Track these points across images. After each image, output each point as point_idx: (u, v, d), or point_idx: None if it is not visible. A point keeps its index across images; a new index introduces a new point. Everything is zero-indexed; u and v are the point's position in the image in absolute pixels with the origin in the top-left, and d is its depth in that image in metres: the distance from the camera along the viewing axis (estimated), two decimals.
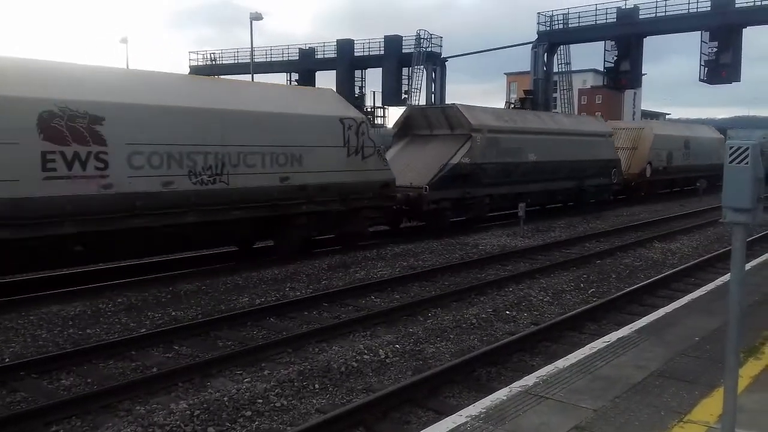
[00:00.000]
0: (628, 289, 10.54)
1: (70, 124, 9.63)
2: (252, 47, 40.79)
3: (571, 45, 42.87)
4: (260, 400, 6.04)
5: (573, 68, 44.68)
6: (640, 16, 38.51)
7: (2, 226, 8.97)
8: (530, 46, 41.83)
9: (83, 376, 6.87)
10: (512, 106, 42.00)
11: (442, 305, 9.82)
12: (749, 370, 5.37)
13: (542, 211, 22.47)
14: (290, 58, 52.38)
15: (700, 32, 36.69)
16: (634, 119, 73.52)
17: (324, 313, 9.58)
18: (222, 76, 48.09)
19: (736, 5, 35.56)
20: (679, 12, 37.07)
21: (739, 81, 36.46)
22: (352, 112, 14.72)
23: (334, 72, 50.50)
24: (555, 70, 42.87)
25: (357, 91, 49.51)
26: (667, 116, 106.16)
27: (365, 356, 7.27)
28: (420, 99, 45.90)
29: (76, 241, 9.97)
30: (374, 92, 49.76)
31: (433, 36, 45.85)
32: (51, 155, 9.43)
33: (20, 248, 9.38)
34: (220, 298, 10.20)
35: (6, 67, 9.74)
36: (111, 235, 10.30)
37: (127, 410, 5.91)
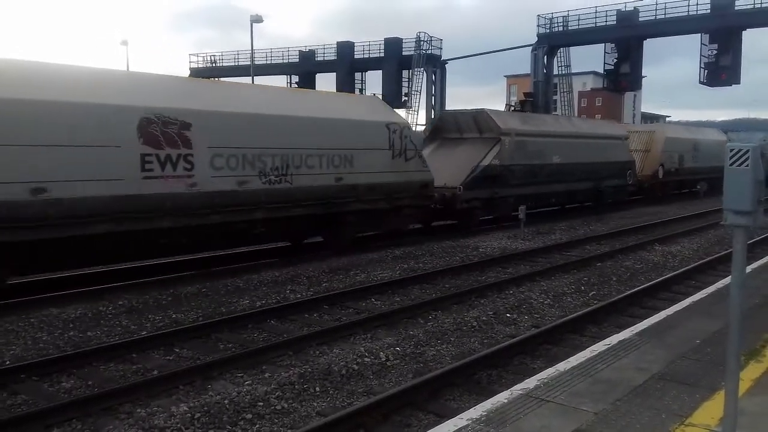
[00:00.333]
0: (629, 292, 10.53)
1: (163, 130, 10.76)
2: (252, 49, 40.88)
3: (570, 47, 42.93)
4: (261, 403, 6.03)
5: (573, 70, 44.76)
6: (640, 19, 38.57)
7: (106, 220, 10.04)
8: (530, 48, 41.90)
9: (84, 379, 6.87)
10: (512, 108, 41.94)
11: (442, 308, 9.81)
12: (750, 373, 5.37)
13: (542, 214, 22.51)
14: (290, 60, 52.44)
15: (699, 34, 36.76)
16: (633, 121, 73.57)
17: (324, 315, 9.58)
18: (222, 79, 48.24)
19: (736, 7, 35.61)
20: (679, 14, 37.12)
21: (739, 83, 36.54)
22: (397, 118, 16.08)
23: (334, 74, 50.57)
24: (555, 72, 42.93)
25: (357, 93, 49.54)
26: (667, 119, 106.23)
27: (366, 359, 7.27)
28: (420, 101, 46.00)
29: (166, 235, 11.05)
30: (374, 94, 49.78)
31: (433, 38, 45.94)
32: (148, 157, 10.55)
33: (119, 241, 10.40)
34: (221, 300, 10.20)
35: (109, 78, 11.06)
36: (194, 230, 11.36)
37: (127, 413, 5.91)
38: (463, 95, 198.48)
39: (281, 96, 14.23)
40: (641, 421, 4.48)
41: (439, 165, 17.82)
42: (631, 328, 7.01)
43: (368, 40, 51.28)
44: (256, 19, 36.92)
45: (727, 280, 8.74)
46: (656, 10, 37.69)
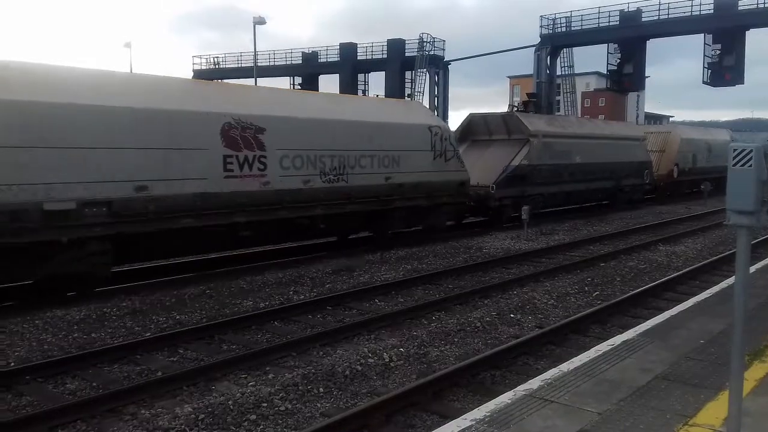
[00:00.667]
0: (633, 292, 10.51)
1: (242, 134, 11.90)
2: (255, 51, 40.85)
3: (574, 48, 42.89)
4: (265, 404, 6.04)
5: (576, 71, 44.72)
6: (643, 19, 38.52)
7: (193, 215, 11.12)
8: (533, 49, 41.87)
9: (88, 380, 6.89)
10: (515, 109, 41.92)
11: (446, 308, 9.81)
12: (754, 373, 5.36)
13: (546, 214, 22.53)
14: (293, 62, 52.49)
15: (703, 35, 36.69)
16: (637, 122, 73.45)
17: (328, 316, 9.59)
18: (226, 81, 48.16)
19: (739, 8, 35.54)
20: (682, 14, 37.06)
21: (743, 83, 36.47)
22: (438, 121, 17.35)
23: (337, 76, 50.61)
24: (558, 72, 42.89)
25: (360, 94, 49.57)
26: (670, 119, 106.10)
27: (370, 360, 7.27)
28: (423, 102, 45.94)
29: (243, 228, 12.12)
30: (377, 95, 49.85)
31: (435, 39, 45.92)
32: (229, 158, 11.67)
33: (202, 234, 11.50)
34: (225, 301, 10.22)
35: (197, 88, 12.79)
36: (264, 224, 12.48)
37: (132, 414, 5.92)
38: (466, 96, 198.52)
39: (338, 102, 15.59)
40: (645, 421, 4.48)
41: (471, 165, 18.46)
42: (635, 328, 6.99)
43: (371, 42, 51.18)
44: (259, 21, 36.94)
45: (731, 280, 8.72)
46: (659, 10, 37.66)
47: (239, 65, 53.96)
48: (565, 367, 5.65)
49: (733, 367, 3.62)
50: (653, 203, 28.43)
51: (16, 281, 10.10)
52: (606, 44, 40.25)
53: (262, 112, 12.37)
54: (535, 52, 41.66)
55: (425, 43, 45.42)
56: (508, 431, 4.33)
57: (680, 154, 30.69)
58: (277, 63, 53.00)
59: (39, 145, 9.29)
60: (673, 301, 9.63)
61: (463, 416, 4.63)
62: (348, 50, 49.76)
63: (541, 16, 41.17)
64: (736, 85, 36.82)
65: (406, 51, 47.03)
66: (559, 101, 45.72)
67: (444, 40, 46.59)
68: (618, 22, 39.03)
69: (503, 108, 46.55)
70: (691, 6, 36.57)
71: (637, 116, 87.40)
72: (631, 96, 72.90)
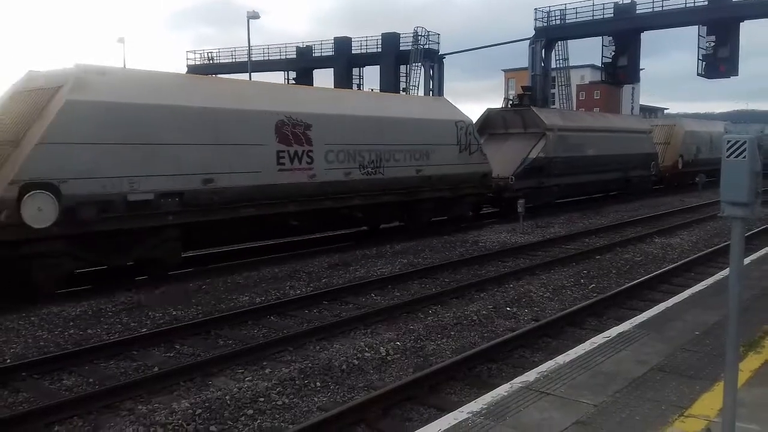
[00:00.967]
0: (628, 285, 10.55)
1: (293, 130, 12.92)
2: (249, 46, 40.70)
3: (568, 41, 42.80)
4: (262, 399, 6.05)
5: (571, 64, 44.63)
6: (638, 11, 38.44)
7: (251, 205, 12.16)
8: (528, 42, 41.78)
9: (85, 376, 6.88)
10: (510, 102, 41.92)
11: (442, 302, 9.83)
12: (749, 364, 5.38)
13: (540, 207, 22.57)
14: (288, 56, 52.27)
15: (697, 27, 36.64)
16: (632, 114, 73.52)
17: (324, 311, 9.59)
18: (220, 75, 47.93)
19: None
20: (677, 6, 36.98)
21: (737, 75, 36.44)
22: (463, 116, 18.12)
23: (331, 70, 50.43)
24: (553, 65, 42.80)
25: (355, 89, 49.45)
26: (665, 111, 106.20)
27: (366, 354, 7.28)
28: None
29: (293, 218, 13.30)
30: (372, 89, 49.75)
31: (430, 33, 45.79)
32: (282, 153, 12.72)
33: (257, 223, 12.61)
34: (221, 297, 10.21)
35: (252, 88, 14.30)
36: (311, 214, 13.57)
37: (128, 410, 5.92)
38: (461, 90, 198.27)
39: (376, 100, 17.01)
40: (641, 412, 4.50)
41: (489, 158, 19.22)
42: (631, 320, 7.03)
43: (365, 36, 50.89)
44: (253, 16, 36.78)
45: (726, 271, 8.75)
46: (653, 2, 37.53)
47: (233, 60, 53.73)
48: (561, 359, 5.68)
49: (728, 358, 3.63)
50: (659, 194, 28.67)
51: (105, 265, 11.15)
52: (600, 37, 40.18)
53: (309, 110, 13.43)
54: (529, 46, 41.54)
55: (420, 37, 45.27)
56: (504, 423, 4.34)
57: (684, 146, 31.84)
58: (271, 57, 52.78)
59: (125, 141, 10.34)
60: (668, 293, 9.66)
61: (459, 409, 4.65)
62: (342, 44, 49.57)
63: (536, 9, 41.03)
64: (731, 77, 36.81)
65: (400, 45, 46.84)
66: (554, 94, 45.68)
67: (439, 34, 46.49)
68: (612, 15, 38.95)
69: (498, 102, 46.51)
70: None
71: (632, 108, 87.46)
72: (626, 88, 73.00)
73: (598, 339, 6.29)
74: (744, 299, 4.91)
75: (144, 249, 10.93)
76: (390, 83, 46.49)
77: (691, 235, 16.62)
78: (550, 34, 41.33)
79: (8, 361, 7.25)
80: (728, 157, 3.52)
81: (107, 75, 10.69)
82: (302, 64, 51.34)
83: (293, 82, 48.97)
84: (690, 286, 9.04)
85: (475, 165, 17.92)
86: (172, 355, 7.64)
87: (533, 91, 40.65)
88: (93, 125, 9.99)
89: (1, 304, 9.41)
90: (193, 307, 9.58)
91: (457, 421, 4.38)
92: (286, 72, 52.69)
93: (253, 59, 44.66)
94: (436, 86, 46.37)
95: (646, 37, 39.59)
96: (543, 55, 41.50)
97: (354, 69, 50.36)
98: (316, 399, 6.15)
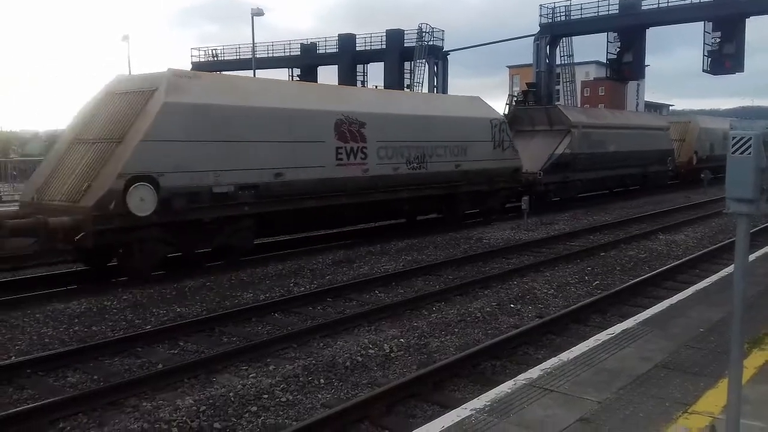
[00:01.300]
0: (633, 281, 10.53)
1: (349, 128, 14.03)
2: (253, 43, 40.67)
3: (573, 37, 42.66)
4: (266, 395, 6.06)
5: (576, 60, 44.49)
6: (643, 7, 38.31)
7: (312, 197, 13.25)
8: (532, 38, 41.68)
9: (89, 373, 6.90)
10: (515, 99, 41.83)
11: (446, 299, 9.82)
12: (754, 361, 5.37)
13: (548, 203, 22.61)
14: (292, 53, 52.27)
15: (703, 22, 36.50)
16: (637, 110, 73.28)
17: (328, 308, 9.60)
18: (224, 72, 47.94)
19: None
20: (682, 2, 36.85)
21: (743, 71, 36.32)
22: (497, 115, 19.50)
23: (335, 67, 50.41)
24: (557, 62, 42.69)
25: (359, 85, 49.39)
26: (670, 107, 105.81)
27: (370, 351, 7.28)
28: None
29: (347, 209, 14.32)
30: (376, 86, 49.70)
31: (434, 29, 45.70)
32: (340, 149, 13.82)
33: (317, 213, 13.65)
34: (225, 294, 10.23)
35: (314, 89, 15.92)
36: (362, 205, 14.67)
37: (133, 406, 5.94)
38: (466, 86, 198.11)
39: (419, 99, 18.36)
40: (645, 409, 4.49)
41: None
42: (635, 317, 7.01)
43: (370, 32, 50.88)
44: (257, 12, 36.75)
45: (731, 268, 8.72)
46: None
47: (238, 57, 53.74)
48: (565, 356, 5.67)
49: (733, 355, 3.62)
50: (663, 191, 28.67)
51: (193, 251, 11.96)
52: (605, 33, 40.06)
53: (364, 110, 14.60)
54: (534, 42, 41.46)
55: (424, 34, 45.20)
56: (508, 420, 4.34)
57: (699, 142, 32.68)
58: (275, 54, 52.79)
59: (212, 139, 11.42)
60: (672, 290, 9.62)
61: (463, 406, 4.65)
62: (347, 41, 49.55)
63: (541, 5, 40.95)
64: (736, 73, 36.68)
65: (405, 41, 46.81)
66: (558, 91, 45.57)
67: (443, 31, 46.42)
68: (617, 11, 38.83)
69: (503, 99, 46.38)
70: None
71: (637, 105, 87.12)
72: (631, 85, 72.64)
73: (602, 336, 6.27)
74: (749, 296, 4.89)
75: (223, 236, 11.96)
76: (394, 80, 46.45)
77: (695, 232, 16.57)
78: (555, 31, 41.22)
79: (13, 357, 7.27)
80: (734, 153, 3.51)
81: (196, 79, 12.04)
82: (307, 60, 51.35)
83: (297, 79, 48.96)
84: (694, 283, 9.00)
85: (507, 160, 19.00)
86: (176, 352, 7.66)
87: (538, 87, 40.64)
88: (185, 124, 11.04)
89: (97, 284, 10.76)
90: (197, 304, 9.60)
91: (460, 418, 4.37)
92: (290, 69, 52.72)
93: (258, 56, 44.66)
94: (440, 83, 46.33)
95: (651, 33, 39.48)
96: (548, 52, 41.41)
97: (358, 66, 50.35)
98: (319, 396, 6.16)
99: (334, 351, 7.31)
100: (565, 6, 40.92)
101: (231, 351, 7.30)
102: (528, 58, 43.08)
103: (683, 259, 12.41)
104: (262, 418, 5.65)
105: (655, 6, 37.81)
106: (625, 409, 4.49)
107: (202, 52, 55.99)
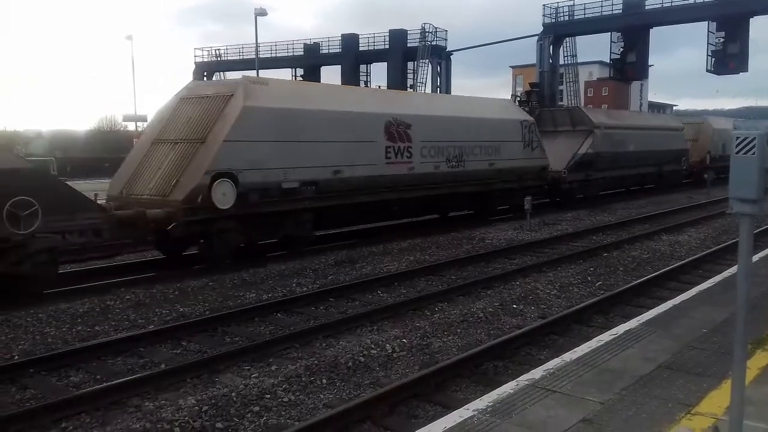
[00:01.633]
0: (636, 282, 10.50)
1: (397, 129, 15.26)
2: (257, 43, 40.66)
3: (576, 37, 42.59)
4: (268, 395, 6.06)
5: (579, 60, 44.41)
6: (646, 7, 38.20)
7: (364, 193, 14.49)
8: (536, 38, 41.62)
9: (92, 373, 6.91)
10: (518, 99, 41.78)
11: (448, 299, 9.81)
12: (757, 362, 5.35)
13: (546, 205, 22.66)
14: (295, 53, 52.27)
15: (706, 22, 36.40)
16: (641, 110, 73.17)
17: (331, 308, 9.60)
18: (228, 73, 48.15)
19: None
20: (686, 2, 36.75)
21: (747, 71, 36.20)
22: (526, 116, 20.72)
23: (338, 67, 50.39)
24: (561, 62, 42.62)
25: (362, 85, 49.36)
26: (674, 107, 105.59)
27: (372, 351, 7.28)
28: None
29: (393, 204, 15.62)
30: (379, 86, 49.66)
31: (438, 29, 45.64)
32: (389, 149, 15.07)
33: (368, 207, 14.89)
34: (227, 294, 10.23)
35: (366, 93, 18.58)
36: (407, 201, 15.91)
37: (136, 406, 5.94)
38: (469, 86, 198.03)
39: (457, 102, 19.37)
40: (648, 410, 4.48)
41: None
42: (638, 317, 6.99)
43: (373, 33, 50.82)
44: (260, 12, 36.74)
45: (734, 269, 8.69)
46: None
47: (241, 57, 53.76)
48: (568, 356, 5.66)
49: (736, 356, 3.61)
50: (665, 192, 28.70)
51: (264, 240, 13.25)
52: (609, 33, 39.97)
53: (410, 112, 15.79)
54: (537, 42, 41.38)
55: (427, 34, 45.12)
56: (510, 421, 4.33)
57: (712, 143, 33.43)
58: (279, 55, 52.79)
59: (282, 139, 12.61)
60: (675, 291, 9.61)
61: (465, 406, 4.64)
62: (350, 41, 49.51)
63: (544, 5, 40.86)
64: (740, 73, 36.58)
65: (408, 41, 46.71)
66: (561, 91, 45.50)
67: (446, 31, 46.32)
68: (621, 11, 38.73)
69: (506, 98, 46.24)
70: None
71: (641, 105, 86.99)
72: (635, 85, 72.57)
73: (605, 336, 6.26)
74: (752, 297, 4.87)
75: (288, 228, 13.13)
76: (397, 80, 46.38)
77: (698, 233, 16.53)
78: (558, 31, 41.14)
79: (16, 357, 7.29)
80: (737, 153, 3.49)
81: (266, 85, 13.21)
82: (310, 60, 51.33)
83: (300, 78, 48.97)
84: (698, 284, 8.98)
85: (535, 159, 20.20)
86: (179, 351, 7.67)
87: (541, 87, 40.57)
88: (260, 126, 12.21)
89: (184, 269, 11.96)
90: (200, 304, 9.60)
91: (462, 419, 4.37)
92: (293, 69, 52.72)
93: (261, 56, 44.66)
94: (443, 83, 46.26)
95: (655, 33, 39.36)
96: (551, 52, 41.33)
97: (361, 66, 50.31)
98: (322, 396, 6.16)
99: (336, 351, 7.30)
100: (568, 6, 40.85)
101: (233, 351, 7.30)
102: (531, 58, 43.06)
103: (686, 260, 12.38)
104: (265, 418, 5.65)
105: (659, 6, 37.71)
106: (628, 410, 4.48)
107: (205, 52, 56.03)
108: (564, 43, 42.27)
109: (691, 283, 10.14)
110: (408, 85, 46.48)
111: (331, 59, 51.12)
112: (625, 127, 25.94)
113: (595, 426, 4.24)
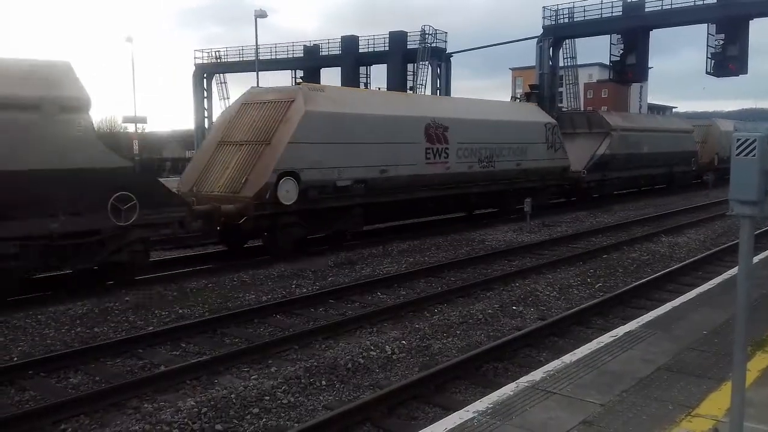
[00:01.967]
0: (635, 284, 10.50)
1: (436, 131, 16.51)
2: (257, 45, 40.64)
3: (576, 39, 42.59)
4: (267, 397, 6.05)
5: (579, 62, 44.42)
6: (646, 9, 38.21)
7: (405, 191, 15.71)
8: (535, 40, 41.63)
9: (91, 375, 6.90)
10: (518, 101, 41.78)
11: (448, 301, 9.81)
12: (757, 364, 5.34)
13: (555, 205, 22.76)
14: (295, 55, 52.26)
15: (706, 24, 36.41)
16: (640, 113, 73.19)
17: (330, 309, 9.58)
18: (228, 74, 48.15)
19: None
20: (686, 4, 36.73)
21: (746, 74, 36.17)
22: (550, 119, 21.89)
23: (338, 69, 50.38)
24: (560, 64, 42.61)
25: (362, 87, 49.35)
26: (674, 110, 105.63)
27: (372, 353, 7.27)
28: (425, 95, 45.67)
29: (431, 201, 16.77)
30: (379, 88, 49.66)
31: (438, 31, 45.64)
32: (428, 150, 16.31)
33: (408, 204, 16.10)
34: (227, 295, 10.22)
35: (407, 98, 19.93)
36: (443, 198, 17.20)
37: (135, 408, 5.93)
38: (469, 88, 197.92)
39: (489, 106, 20.41)
40: (648, 412, 4.47)
41: None
42: (638, 319, 6.98)
43: (373, 34, 50.79)
44: (261, 14, 36.74)
45: (734, 270, 8.69)
46: (662, 0, 37.34)
47: (241, 59, 53.73)
48: (568, 358, 5.65)
49: (736, 358, 3.60)
50: (667, 194, 28.81)
51: (320, 233, 14.30)
52: (609, 35, 39.97)
53: (447, 115, 16.98)
54: (537, 44, 41.36)
55: (427, 36, 45.11)
56: (510, 423, 4.32)
57: (720, 145, 34.38)
58: (279, 56, 52.78)
59: (337, 141, 13.82)
60: (675, 293, 9.60)
61: (465, 408, 4.63)
62: (350, 43, 49.50)
63: (544, 7, 40.82)
64: (740, 75, 36.57)
65: (408, 43, 46.68)
66: (561, 93, 45.49)
67: (446, 32, 46.27)
68: (621, 13, 38.73)
69: (506, 100, 46.23)
70: None
71: (640, 107, 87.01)
72: (635, 87, 72.61)
73: (605, 338, 6.25)
74: (752, 298, 4.86)
75: (340, 222, 14.36)
76: (397, 82, 46.35)
77: (698, 234, 16.53)
78: (558, 33, 41.12)
79: (15, 359, 7.28)
80: (738, 155, 3.49)
81: (322, 91, 14.53)
82: (310, 62, 51.29)
83: (300, 80, 48.93)
84: (697, 285, 8.98)
85: (558, 160, 21.35)
86: (178, 353, 7.65)
87: (541, 89, 40.49)
88: (319, 129, 13.42)
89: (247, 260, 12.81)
90: (199, 306, 9.59)
91: (462, 421, 4.36)
92: (293, 71, 52.71)
93: (261, 58, 44.65)
94: (443, 85, 46.22)
95: (654, 35, 39.35)
96: (551, 54, 41.29)
97: (361, 68, 50.29)
98: (321, 398, 6.15)
99: (335, 353, 7.29)
100: (568, 8, 40.85)
101: (233, 352, 7.29)
102: (531, 60, 43.02)
103: (686, 262, 12.38)
104: (264, 419, 5.64)
105: (659, 8, 37.71)
106: (628, 412, 4.47)
107: (205, 54, 56.01)
108: (564, 45, 42.27)
109: (691, 284, 10.13)
110: (408, 87, 46.48)
111: (331, 61, 51.09)
112: (639, 129, 27.06)
113: (596, 428, 4.23)
